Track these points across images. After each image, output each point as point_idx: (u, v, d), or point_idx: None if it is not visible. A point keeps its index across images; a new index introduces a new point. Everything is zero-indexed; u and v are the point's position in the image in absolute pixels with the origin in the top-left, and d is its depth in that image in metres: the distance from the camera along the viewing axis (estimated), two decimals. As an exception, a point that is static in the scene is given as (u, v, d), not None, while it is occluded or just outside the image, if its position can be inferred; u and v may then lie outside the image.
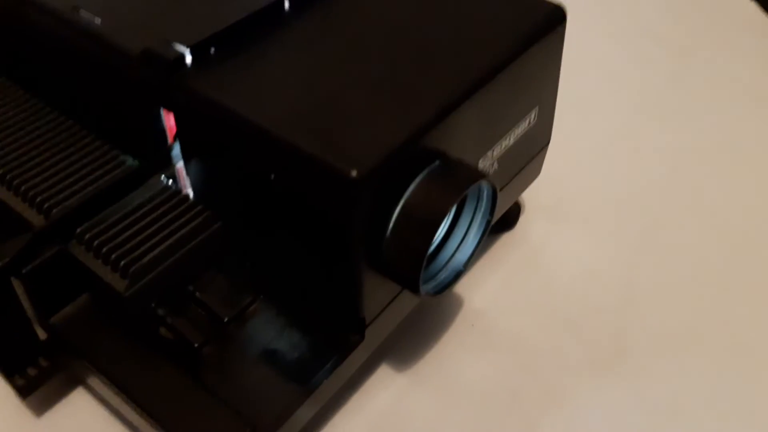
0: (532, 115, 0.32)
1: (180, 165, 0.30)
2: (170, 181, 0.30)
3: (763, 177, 0.43)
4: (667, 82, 0.50)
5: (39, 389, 0.29)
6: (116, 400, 0.27)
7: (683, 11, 0.57)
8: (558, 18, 0.31)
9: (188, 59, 0.27)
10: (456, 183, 0.26)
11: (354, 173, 0.23)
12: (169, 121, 0.30)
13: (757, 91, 0.49)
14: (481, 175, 0.26)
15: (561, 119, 0.36)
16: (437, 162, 0.26)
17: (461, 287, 0.36)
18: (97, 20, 0.29)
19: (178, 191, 0.29)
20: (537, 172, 0.37)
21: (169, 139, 0.30)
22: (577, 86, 0.42)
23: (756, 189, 0.42)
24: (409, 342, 0.34)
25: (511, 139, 0.31)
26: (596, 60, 0.51)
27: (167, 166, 0.30)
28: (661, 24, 0.56)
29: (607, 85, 0.50)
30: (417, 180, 0.25)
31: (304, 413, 0.27)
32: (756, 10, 0.57)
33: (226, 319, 0.28)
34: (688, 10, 0.57)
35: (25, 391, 0.28)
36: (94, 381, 0.28)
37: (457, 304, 0.36)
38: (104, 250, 0.26)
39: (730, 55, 0.52)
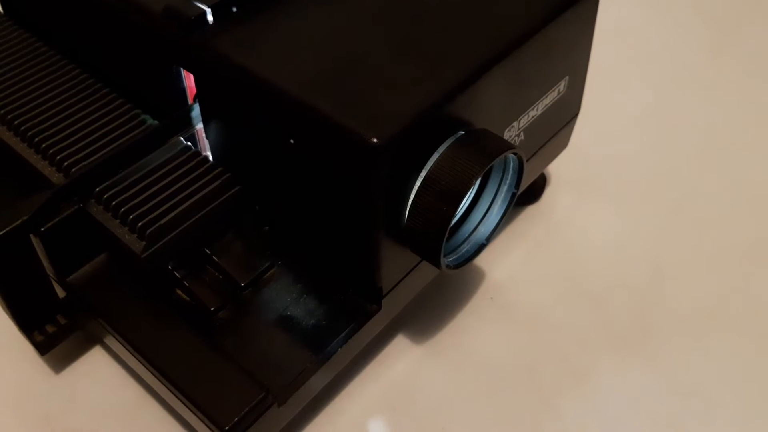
0: (562, 85, 0.31)
1: (199, 126, 0.30)
2: (189, 142, 0.29)
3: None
4: (706, 53, 0.48)
5: (57, 347, 0.29)
6: (132, 361, 0.27)
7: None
8: (593, -17, 0.30)
9: (209, 18, 0.27)
10: (483, 153, 0.25)
11: (375, 140, 0.23)
12: (189, 81, 0.29)
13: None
14: (509, 146, 0.25)
15: (591, 89, 0.35)
16: (462, 131, 0.25)
17: (482, 259, 0.36)
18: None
19: (197, 153, 0.29)
20: (564, 144, 0.35)
21: (189, 100, 0.29)
22: (611, 55, 0.41)
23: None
24: (426, 313, 0.33)
25: (539, 109, 0.30)
26: (632, 27, 0.50)
27: (187, 127, 0.29)
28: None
29: (642, 55, 0.48)
30: (441, 149, 0.25)
31: (319, 380, 0.27)
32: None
33: (243, 284, 0.28)
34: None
35: (43, 347, 0.28)
36: (111, 340, 0.28)
37: (477, 277, 0.35)
38: (122, 210, 0.26)
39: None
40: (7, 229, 0.25)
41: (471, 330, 0.33)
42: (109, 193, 0.27)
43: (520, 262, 0.36)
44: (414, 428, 0.30)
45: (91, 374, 0.31)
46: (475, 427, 0.30)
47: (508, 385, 0.31)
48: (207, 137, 0.29)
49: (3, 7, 0.38)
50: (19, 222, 0.25)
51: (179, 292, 0.28)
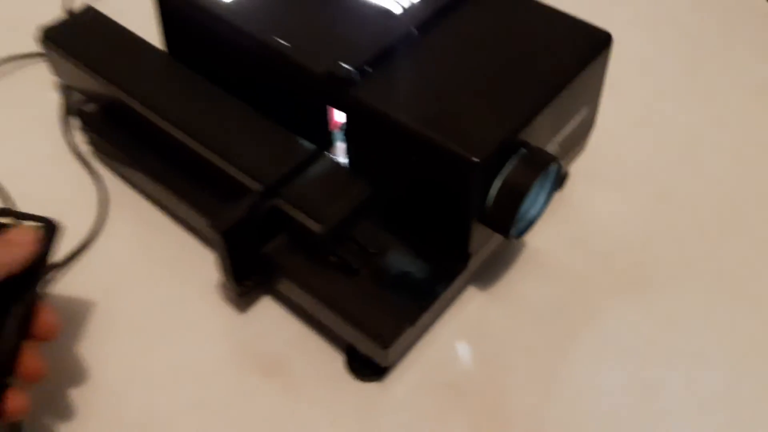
0: (583, 111, 0.45)
1: (340, 146, 0.43)
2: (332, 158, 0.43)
3: (761, 151, 0.56)
4: (686, 67, 0.62)
5: (247, 295, 0.43)
6: (308, 302, 0.41)
7: (703, 3, 0.69)
8: (606, 41, 0.43)
9: (355, 76, 0.40)
10: (537, 165, 0.39)
11: (476, 159, 0.37)
12: (332, 115, 0.43)
13: (760, 78, 0.61)
14: (553, 158, 0.39)
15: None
16: (524, 149, 0.39)
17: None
18: (287, 44, 0.42)
19: (341, 165, 0.42)
20: (583, 148, 0.49)
21: (333, 128, 0.43)
22: (609, 71, 0.55)
23: (754, 160, 0.55)
24: (489, 271, 0.48)
25: (569, 128, 0.44)
26: (623, 48, 0.63)
27: (331, 146, 0.43)
28: (682, 13, 0.67)
29: (632, 70, 0.61)
30: (511, 162, 0.39)
31: (432, 312, 0.41)
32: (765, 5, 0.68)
33: (373, 252, 0.42)
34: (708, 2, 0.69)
35: (244, 293, 0.42)
36: (289, 289, 0.42)
37: (519, 244, 0.49)
38: (303, 203, 0.40)
39: (740, 44, 0.64)
40: (234, 222, 0.39)
41: (519, 281, 0.47)
42: (293, 192, 0.41)
43: (552, 233, 0.50)
44: (479, 349, 0.44)
45: (266, 314, 0.45)
46: (519, 351, 0.44)
47: (545, 321, 0.46)
48: (346, 154, 0.43)
49: (168, 48, 0.51)
50: (239, 217, 0.39)
51: (332, 257, 0.42)
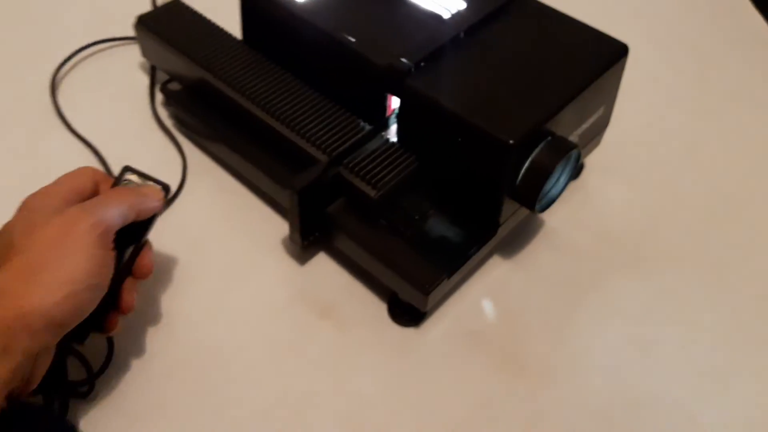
0: (601, 110, 0.53)
1: (392, 128, 0.51)
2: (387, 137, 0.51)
3: (752, 155, 0.63)
4: (692, 82, 0.70)
5: (304, 250, 0.51)
6: (359, 254, 0.49)
7: (708, 25, 0.76)
8: (623, 52, 0.51)
9: (412, 69, 0.48)
10: (561, 150, 0.46)
11: (511, 141, 0.44)
12: (390, 102, 0.51)
13: (756, 91, 0.69)
14: (574, 146, 0.47)
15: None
16: (550, 137, 0.47)
17: (545, 213, 0.57)
18: (353, 40, 0.50)
19: (394, 143, 0.50)
20: (598, 143, 0.57)
21: (388, 113, 0.51)
22: (624, 78, 0.62)
23: (745, 161, 0.63)
24: (513, 243, 0.55)
25: (588, 124, 0.52)
26: (636, 62, 0.71)
27: (386, 128, 0.51)
28: (689, 33, 0.75)
29: (645, 79, 0.69)
30: (539, 146, 0.46)
31: (464, 270, 0.49)
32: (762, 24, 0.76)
33: (417, 218, 0.50)
34: (712, 26, 0.76)
35: (305, 247, 0.50)
36: (345, 244, 0.50)
37: (539, 223, 0.57)
38: (362, 172, 0.48)
39: (740, 63, 0.72)
40: (307, 182, 0.47)
41: (537, 254, 0.55)
42: (353, 163, 0.48)
43: (566, 215, 0.58)
44: (501, 307, 0.52)
45: (321, 266, 0.53)
46: (535, 310, 0.52)
47: (557, 288, 0.53)
48: (398, 133, 0.51)
49: (244, 38, 0.59)
50: (311, 180, 0.47)
51: (383, 220, 0.50)
